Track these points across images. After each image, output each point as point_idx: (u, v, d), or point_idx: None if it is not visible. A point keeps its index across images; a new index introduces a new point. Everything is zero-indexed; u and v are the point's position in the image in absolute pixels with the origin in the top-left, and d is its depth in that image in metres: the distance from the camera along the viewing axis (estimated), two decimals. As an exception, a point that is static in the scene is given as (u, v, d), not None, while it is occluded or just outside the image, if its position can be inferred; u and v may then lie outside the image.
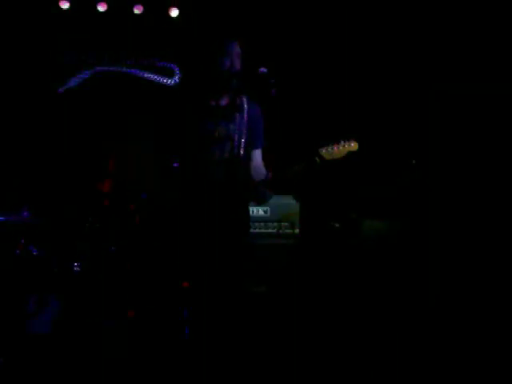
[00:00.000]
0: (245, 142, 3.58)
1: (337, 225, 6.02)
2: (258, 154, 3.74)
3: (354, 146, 3.50)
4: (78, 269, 5.42)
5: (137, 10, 7.21)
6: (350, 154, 3.50)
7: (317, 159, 3.46)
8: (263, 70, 3.49)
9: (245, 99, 3.64)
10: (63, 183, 6.88)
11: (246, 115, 3.61)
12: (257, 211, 5.84)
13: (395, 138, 6.59)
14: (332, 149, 3.47)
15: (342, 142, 3.49)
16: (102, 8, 7.17)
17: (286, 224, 5.90)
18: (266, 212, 5.92)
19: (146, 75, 7.46)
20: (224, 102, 3.61)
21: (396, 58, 6.79)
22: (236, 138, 3.55)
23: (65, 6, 7.10)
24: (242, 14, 6.85)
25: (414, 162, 5.80)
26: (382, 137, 6.56)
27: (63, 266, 5.39)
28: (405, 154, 6.07)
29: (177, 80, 7.44)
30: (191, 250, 3.49)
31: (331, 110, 6.84)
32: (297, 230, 5.87)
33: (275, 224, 5.91)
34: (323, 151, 3.47)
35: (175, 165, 4.47)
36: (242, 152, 3.55)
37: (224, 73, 3.50)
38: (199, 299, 3.48)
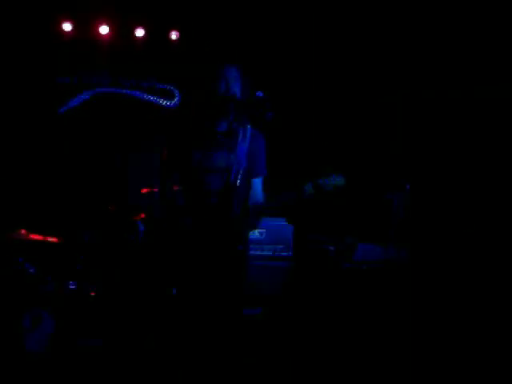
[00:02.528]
0: (243, 171, 3.52)
1: (331, 248, 6.04)
2: (258, 183, 3.68)
3: (341, 181, 3.50)
4: (74, 287, 5.44)
5: (138, 33, 7.29)
6: (338, 188, 3.48)
7: (308, 189, 3.44)
8: (259, 93, 3.50)
9: (248, 127, 3.60)
10: (58, 202, 6.91)
11: (247, 144, 3.56)
12: (252, 233, 5.86)
13: (387, 164, 6.69)
14: (322, 182, 3.46)
15: (331, 176, 3.48)
16: (103, 30, 7.24)
17: (281, 246, 5.94)
18: (261, 234, 5.95)
19: (146, 97, 7.51)
20: (222, 127, 3.57)
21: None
22: (234, 169, 3.50)
23: (67, 27, 7.17)
24: (241, 39, 6.94)
25: (408, 186, 5.85)
26: (373, 166, 6.67)
27: (59, 285, 5.41)
28: (398, 179, 6.12)
29: (177, 103, 7.50)
30: (186, 277, 3.47)
31: (323, 140, 6.95)
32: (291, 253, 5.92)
33: (270, 246, 5.94)
34: (314, 182, 3.46)
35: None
36: (238, 182, 3.50)
37: (219, 97, 3.48)
38: (194, 323, 3.47)
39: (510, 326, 5.09)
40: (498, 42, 6.37)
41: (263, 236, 5.95)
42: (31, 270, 5.40)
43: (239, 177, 3.52)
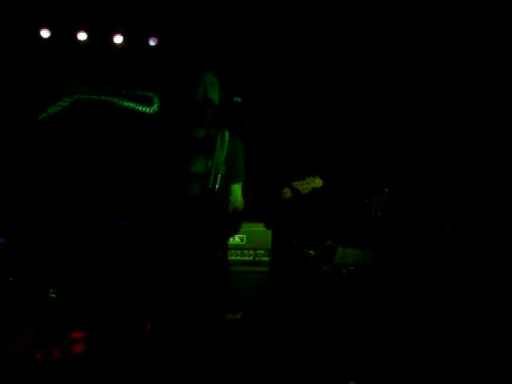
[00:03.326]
0: (222, 177, 3.53)
1: (311, 252, 6.06)
2: (237, 189, 3.70)
3: (317, 182, 3.52)
4: (54, 295, 5.41)
5: (117, 40, 7.27)
6: (315, 189, 3.51)
7: (286, 191, 3.47)
8: (237, 99, 3.52)
9: (226, 133, 3.61)
10: (38, 209, 6.87)
11: (225, 150, 3.57)
12: (233, 239, 5.87)
13: (366, 168, 6.74)
14: (298, 184, 3.48)
15: (307, 178, 3.51)
16: (82, 37, 7.22)
17: (262, 251, 5.95)
18: (241, 240, 5.96)
19: (125, 103, 7.50)
20: (200, 133, 3.58)
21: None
22: (213, 174, 3.50)
23: (45, 34, 7.15)
24: (219, 45, 6.95)
25: (386, 190, 5.89)
26: (352, 169, 6.72)
27: (39, 293, 5.38)
28: (377, 182, 6.17)
29: (156, 109, 7.49)
30: (166, 281, 3.45)
31: (300, 145, 6.99)
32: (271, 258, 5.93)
33: (251, 251, 5.95)
34: (291, 185, 3.47)
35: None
36: (216, 188, 3.50)
37: (197, 103, 3.49)
38: (174, 328, 3.46)
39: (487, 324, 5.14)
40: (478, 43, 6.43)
41: (243, 241, 5.96)
42: (10, 278, 5.36)
43: (218, 182, 3.52)
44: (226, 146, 3.59)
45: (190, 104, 3.55)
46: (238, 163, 3.68)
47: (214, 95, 3.55)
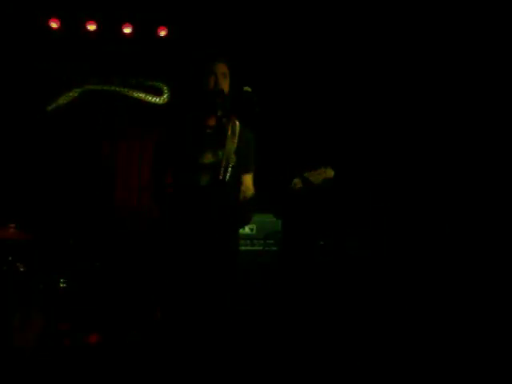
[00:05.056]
0: (233, 167, 3.52)
1: (321, 242, 6.06)
2: (248, 179, 3.69)
3: (329, 173, 3.51)
4: (64, 285, 5.44)
5: (126, 30, 7.27)
6: (326, 180, 3.49)
7: (296, 181, 3.45)
8: (247, 89, 3.51)
9: (237, 123, 3.60)
10: (49, 200, 6.89)
11: (237, 140, 3.56)
12: (243, 229, 5.88)
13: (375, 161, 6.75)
14: (309, 175, 3.46)
15: (319, 169, 3.49)
16: (91, 27, 7.22)
17: (272, 241, 5.96)
18: (252, 230, 5.97)
19: (134, 94, 7.51)
20: (211, 124, 3.57)
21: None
22: (223, 164, 3.50)
23: (54, 24, 7.15)
24: (229, 35, 6.94)
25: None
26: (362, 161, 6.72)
27: (49, 282, 5.41)
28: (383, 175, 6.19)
29: (165, 99, 7.49)
30: (177, 272, 3.45)
31: (311, 135, 6.98)
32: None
33: (261, 241, 5.96)
34: (302, 176, 3.45)
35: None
36: (227, 178, 3.49)
37: (207, 92, 3.49)
38: (184, 319, 3.47)
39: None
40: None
41: (253, 231, 5.97)
42: (21, 268, 5.39)
43: (228, 173, 3.52)
44: (237, 136, 3.58)
45: (201, 94, 3.55)
46: (249, 153, 3.68)
47: (225, 86, 3.55)
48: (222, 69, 3.56)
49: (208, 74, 3.52)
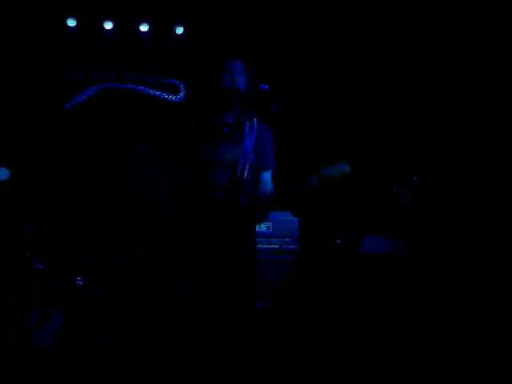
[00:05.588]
0: (251, 165, 3.51)
1: (338, 241, 6.03)
2: (267, 177, 3.66)
3: (346, 169, 3.46)
4: (81, 283, 5.45)
5: (143, 28, 7.28)
6: (344, 176, 3.46)
7: (314, 178, 3.43)
8: (264, 86, 3.49)
9: (255, 121, 3.57)
10: (66, 196, 6.91)
11: (254, 138, 3.54)
12: (259, 227, 5.85)
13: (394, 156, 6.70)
14: (327, 171, 3.43)
15: (336, 165, 3.47)
16: (108, 25, 7.23)
17: (288, 240, 5.93)
18: (268, 228, 5.95)
19: (151, 92, 7.51)
20: (228, 121, 3.55)
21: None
22: (241, 163, 3.48)
23: (71, 23, 7.17)
24: (246, 32, 6.93)
25: (415, 178, 5.83)
26: (381, 155, 6.66)
27: (66, 280, 5.42)
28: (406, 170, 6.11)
29: (182, 97, 7.49)
30: (196, 272, 3.44)
31: (328, 132, 6.95)
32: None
33: (277, 240, 5.94)
34: (319, 172, 3.43)
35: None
36: (245, 176, 3.47)
37: (225, 90, 3.48)
38: (204, 318, 3.46)
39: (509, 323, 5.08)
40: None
41: (270, 229, 5.95)
42: (39, 266, 5.41)
43: (246, 171, 3.50)
44: (254, 134, 3.56)
45: (217, 92, 3.53)
46: (267, 151, 3.64)
47: (242, 83, 3.53)
48: (238, 66, 3.54)
49: (224, 72, 3.51)
